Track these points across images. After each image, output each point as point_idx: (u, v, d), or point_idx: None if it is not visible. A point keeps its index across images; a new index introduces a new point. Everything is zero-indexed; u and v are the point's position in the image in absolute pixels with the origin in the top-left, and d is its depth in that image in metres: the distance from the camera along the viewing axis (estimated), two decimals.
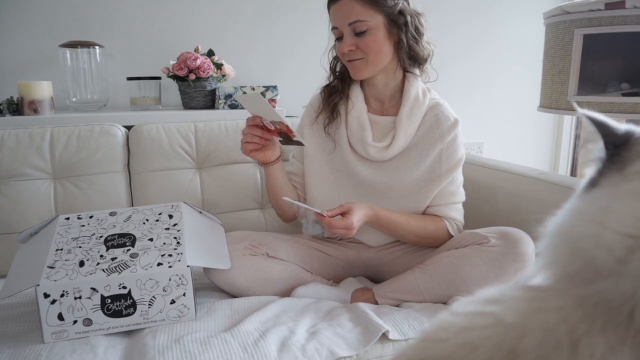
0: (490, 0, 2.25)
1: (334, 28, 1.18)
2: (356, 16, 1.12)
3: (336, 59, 1.27)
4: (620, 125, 0.45)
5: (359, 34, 1.13)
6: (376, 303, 1.13)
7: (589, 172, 0.48)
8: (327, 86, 1.30)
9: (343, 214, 1.10)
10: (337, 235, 1.23)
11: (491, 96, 2.36)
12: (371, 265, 1.29)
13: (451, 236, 1.23)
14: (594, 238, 0.39)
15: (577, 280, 0.39)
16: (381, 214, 1.17)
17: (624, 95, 1.48)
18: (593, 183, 0.45)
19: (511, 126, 2.40)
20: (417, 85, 1.23)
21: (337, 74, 1.28)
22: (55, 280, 0.95)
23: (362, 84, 1.27)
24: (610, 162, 0.44)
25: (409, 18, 1.14)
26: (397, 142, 1.21)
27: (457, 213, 1.26)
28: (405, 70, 1.23)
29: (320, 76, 1.32)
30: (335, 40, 1.21)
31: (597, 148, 0.46)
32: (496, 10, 2.27)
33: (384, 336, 0.96)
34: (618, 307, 0.35)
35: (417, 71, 1.24)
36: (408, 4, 1.16)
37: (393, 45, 1.17)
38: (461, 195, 1.27)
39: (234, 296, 1.15)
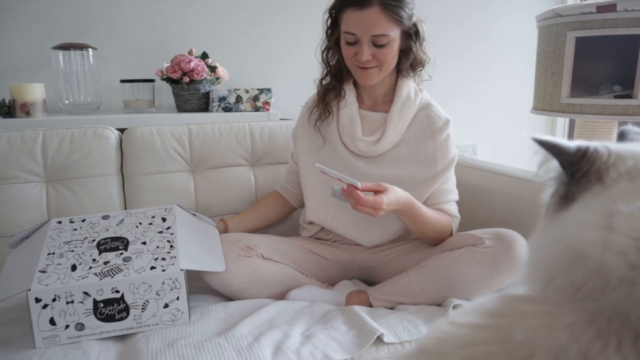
0: (482, 1, 2.27)
1: (349, 33, 1.14)
2: (381, 30, 1.11)
3: (328, 50, 1.25)
4: (570, 143, 0.44)
5: (379, 46, 1.13)
6: (371, 305, 1.13)
7: (548, 192, 0.47)
8: (321, 84, 1.30)
9: (376, 193, 1.07)
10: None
11: (485, 98, 2.36)
12: (366, 268, 1.29)
13: (451, 233, 1.24)
14: (601, 244, 0.36)
15: (584, 291, 0.36)
16: (416, 202, 1.15)
17: (616, 97, 1.49)
18: (565, 201, 0.43)
19: (505, 128, 2.41)
20: (409, 84, 1.25)
21: (331, 69, 1.28)
22: (47, 285, 0.94)
23: (356, 81, 1.27)
24: (574, 179, 0.43)
25: (419, 28, 1.17)
26: (387, 137, 1.22)
27: (455, 210, 1.27)
28: (398, 72, 1.25)
29: (315, 78, 1.32)
30: (346, 44, 1.17)
31: (553, 167, 0.45)
32: (489, 12, 2.28)
33: (379, 339, 0.95)
34: (637, 318, 0.33)
35: (410, 73, 1.25)
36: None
37: (400, 52, 1.19)
38: (456, 194, 1.29)
39: (228, 299, 1.14)
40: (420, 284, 1.11)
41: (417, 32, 1.18)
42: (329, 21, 1.21)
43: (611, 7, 1.38)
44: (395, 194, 1.08)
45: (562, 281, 0.38)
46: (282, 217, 1.43)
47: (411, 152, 1.23)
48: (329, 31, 1.23)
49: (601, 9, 1.39)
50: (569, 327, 0.35)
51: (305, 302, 1.13)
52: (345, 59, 1.21)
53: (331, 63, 1.28)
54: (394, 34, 1.14)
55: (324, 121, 1.28)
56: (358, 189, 1.03)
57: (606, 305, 0.35)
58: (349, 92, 1.27)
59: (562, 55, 1.50)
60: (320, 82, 1.30)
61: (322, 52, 1.26)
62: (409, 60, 1.21)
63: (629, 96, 1.45)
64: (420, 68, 1.25)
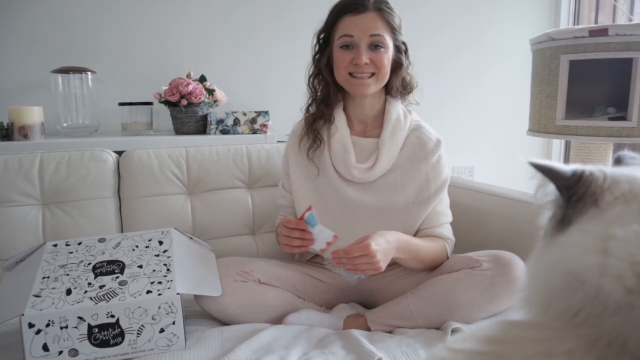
0: (479, 26, 2.30)
1: (346, 36, 1.16)
2: (379, 30, 1.16)
3: (316, 76, 1.26)
4: (566, 167, 0.44)
5: (376, 47, 1.16)
6: (369, 329, 1.12)
7: (546, 215, 0.47)
8: (308, 111, 1.29)
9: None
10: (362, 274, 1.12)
11: (482, 119, 2.38)
12: (363, 291, 1.28)
13: (447, 257, 1.23)
14: (597, 268, 0.36)
15: (582, 316, 0.36)
16: (405, 237, 1.14)
17: (610, 119, 1.51)
18: (562, 224, 0.43)
19: (502, 149, 2.42)
20: (398, 107, 1.26)
21: (318, 96, 1.27)
22: (41, 310, 0.93)
23: (347, 105, 1.27)
24: (570, 203, 0.43)
25: (407, 47, 1.24)
26: (381, 162, 1.22)
27: (450, 233, 1.27)
28: (387, 94, 1.27)
29: (301, 107, 1.31)
30: (341, 50, 1.17)
31: (550, 191, 0.45)
32: (484, 30, 2.32)
33: None
34: (636, 344, 0.33)
35: (398, 94, 1.27)
36: None
37: (391, 68, 1.21)
38: (449, 216, 1.28)
39: (224, 324, 1.13)
40: (419, 307, 1.10)
41: (406, 50, 1.24)
42: (317, 46, 1.24)
43: (603, 32, 1.40)
44: (382, 236, 1.07)
45: (560, 306, 0.38)
46: None
47: (404, 176, 1.23)
48: (317, 56, 1.24)
49: (593, 33, 1.42)
50: (567, 354, 0.34)
51: (303, 326, 1.11)
52: (338, 70, 1.19)
53: (318, 90, 1.27)
54: (389, 40, 1.18)
55: (316, 150, 1.27)
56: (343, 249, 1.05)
57: (604, 330, 0.34)
58: (339, 118, 1.26)
59: (556, 78, 1.52)
60: (307, 109, 1.30)
61: (310, 78, 1.27)
62: (398, 77, 1.23)
63: (623, 118, 1.47)
64: (409, 90, 1.27)
